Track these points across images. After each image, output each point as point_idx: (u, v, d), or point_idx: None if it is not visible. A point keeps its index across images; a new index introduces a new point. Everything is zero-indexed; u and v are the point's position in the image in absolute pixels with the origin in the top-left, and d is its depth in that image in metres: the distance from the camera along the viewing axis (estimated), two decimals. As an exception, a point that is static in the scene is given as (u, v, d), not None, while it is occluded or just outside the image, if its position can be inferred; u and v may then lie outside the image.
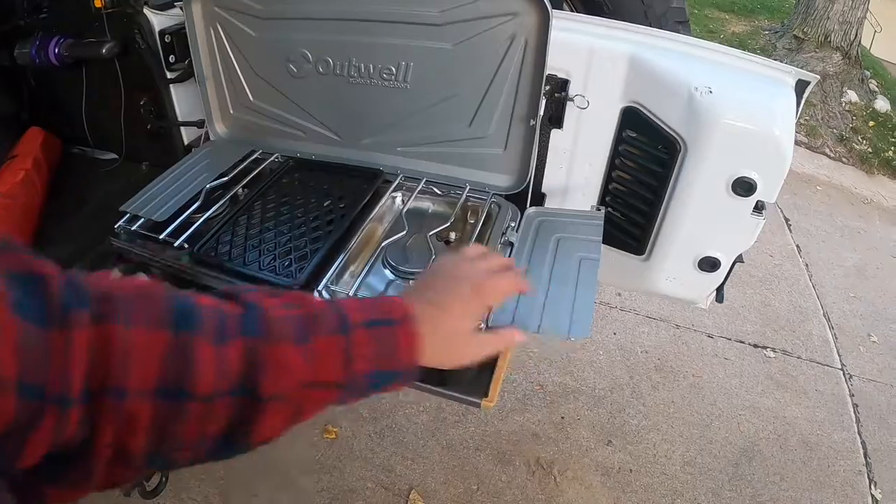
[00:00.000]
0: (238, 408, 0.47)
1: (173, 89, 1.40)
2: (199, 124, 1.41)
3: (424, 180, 1.17)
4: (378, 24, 1.11)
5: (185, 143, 1.45)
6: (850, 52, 4.49)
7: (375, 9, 1.10)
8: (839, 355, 2.31)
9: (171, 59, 1.37)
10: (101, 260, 1.38)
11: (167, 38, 1.35)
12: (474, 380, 0.93)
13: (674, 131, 1.06)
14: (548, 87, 1.09)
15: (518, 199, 1.16)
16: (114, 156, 1.59)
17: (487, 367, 0.97)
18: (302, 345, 0.50)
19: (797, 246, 2.98)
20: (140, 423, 0.43)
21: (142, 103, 1.47)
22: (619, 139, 1.16)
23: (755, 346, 2.29)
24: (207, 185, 1.20)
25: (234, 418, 0.47)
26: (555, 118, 1.10)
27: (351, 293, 0.91)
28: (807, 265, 2.73)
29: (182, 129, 1.43)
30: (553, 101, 1.09)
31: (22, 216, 1.38)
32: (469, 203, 1.14)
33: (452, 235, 1.09)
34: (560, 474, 1.84)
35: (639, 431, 1.97)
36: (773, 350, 2.28)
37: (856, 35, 4.46)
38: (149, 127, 1.46)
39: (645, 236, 1.20)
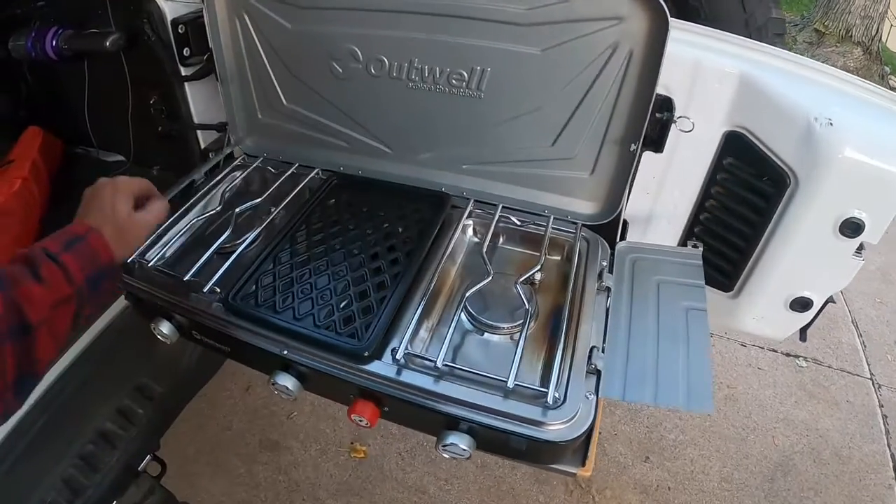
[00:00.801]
0: (21, 344, 0.64)
1: (188, 87, 1.21)
2: (220, 128, 1.21)
3: (501, 207, 1.01)
4: (450, 19, 0.93)
5: (202, 147, 1.25)
6: (870, 48, 4.41)
7: (447, 1, 0.91)
8: (868, 364, 2.26)
9: (186, 52, 1.18)
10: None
11: (181, 29, 1.16)
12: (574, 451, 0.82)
13: (784, 163, 0.92)
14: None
15: (604, 230, 1.01)
16: (121, 158, 1.40)
17: (585, 440, 0.85)
18: (35, 279, 0.67)
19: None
20: None
21: (152, 102, 1.29)
22: (717, 166, 1.01)
23: (787, 354, 2.22)
24: (238, 209, 1.02)
25: (21, 355, 0.64)
26: (652, 141, 0.94)
27: (439, 362, 0.76)
28: (835, 267, 2.67)
29: (199, 132, 1.24)
30: (653, 121, 0.93)
31: (18, 233, 1.21)
32: (551, 235, 0.98)
33: (538, 277, 0.94)
34: (598, 493, 1.76)
35: (676, 447, 1.89)
36: (805, 359, 2.21)
37: (877, 30, 4.39)
38: (160, 129, 1.27)
39: (736, 272, 1.07)
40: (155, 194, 0.89)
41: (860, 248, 0.95)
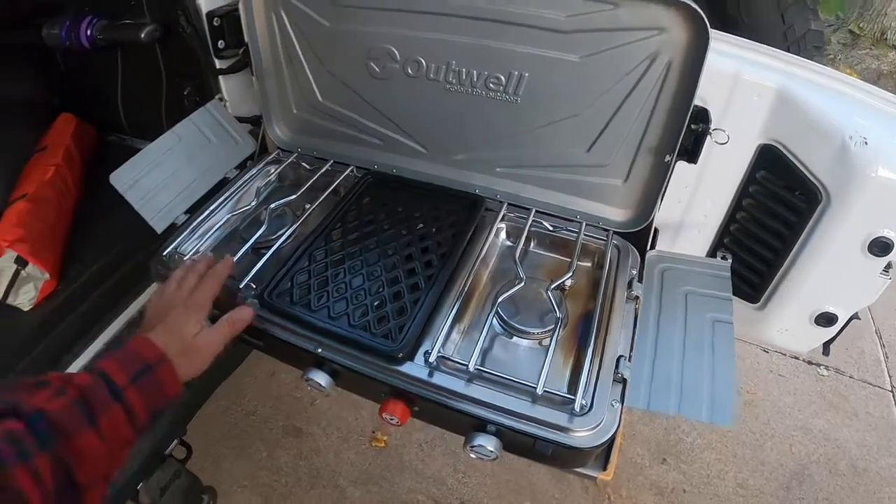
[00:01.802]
0: (66, 501, 0.54)
1: (223, 80, 1.22)
2: (254, 122, 1.23)
3: (534, 212, 1.02)
4: (489, 23, 0.93)
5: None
6: (905, 51, 4.28)
7: (488, 6, 0.92)
8: (889, 376, 2.23)
9: (221, 45, 1.19)
10: (139, 273, 1.24)
11: (216, 22, 1.17)
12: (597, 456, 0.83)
13: (817, 179, 0.92)
14: (685, 116, 0.93)
15: (635, 237, 1.01)
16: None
17: (607, 445, 0.87)
18: (93, 428, 0.57)
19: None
20: None
21: (186, 93, 1.31)
22: (750, 178, 1.01)
23: (809, 363, 2.21)
24: (273, 204, 1.04)
25: None
26: (687, 151, 0.94)
27: (471, 365, 0.77)
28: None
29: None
30: (688, 131, 0.92)
31: (52, 220, 1.24)
32: (584, 241, 0.99)
33: (568, 283, 0.95)
34: (614, 493, 1.77)
35: (693, 450, 1.89)
36: (827, 368, 2.19)
37: (913, 34, 4.25)
38: (194, 118, 1.28)
39: (764, 285, 1.07)
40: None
41: (888, 266, 0.95)
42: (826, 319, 1.05)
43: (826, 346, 1.14)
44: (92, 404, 0.58)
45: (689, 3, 0.78)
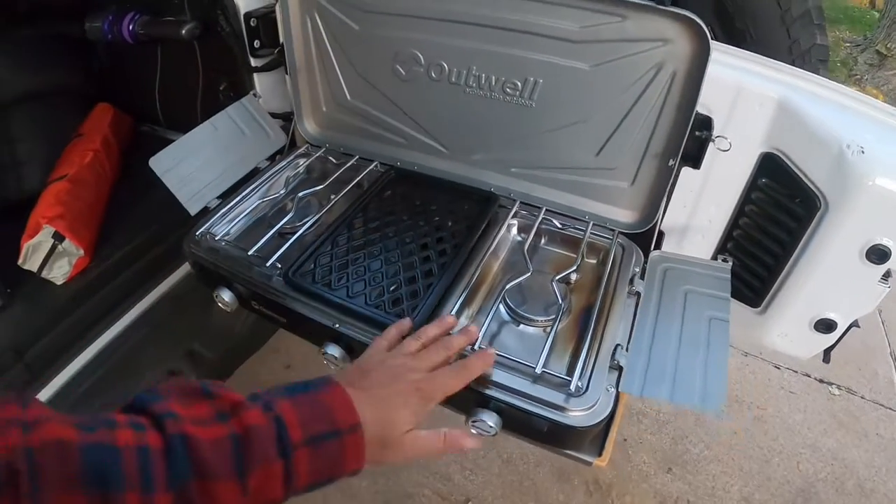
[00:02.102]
0: None
1: (257, 77, 1.30)
2: (286, 118, 1.31)
3: (544, 210, 1.07)
4: (507, 32, 1.00)
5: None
6: (932, 73, 4.25)
7: (507, 16, 0.99)
8: (903, 398, 2.23)
9: (256, 44, 1.27)
10: (172, 253, 1.32)
11: (253, 22, 1.25)
12: (592, 440, 0.88)
13: (816, 187, 0.96)
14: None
15: (640, 238, 1.06)
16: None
17: (603, 428, 0.91)
18: (239, 480, 0.46)
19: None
20: None
21: (221, 88, 1.39)
22: (752, 185, 1.06)
23: (821, 381, 2.21)
24: (300, 194, 1.11)
25: None
26: (691, 157, 0.99)
27: (476, 345, 0.83)
28: (878, 298, 2.63)
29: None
30: (692, 138, 0.98)
31: (89, 201, 1.32)
32: (590, 239, 1.04)
33: (573, 277, 1.00)
34: (618, 498, 1.80)
35: (699, 461, 1.91)
36: (839, 387, 2.19)
37: (941, 56, 4.22)
38: (227, 113, 1.37)
39: (765, 289, 1.10)
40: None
41: (887, 274, 0.98)
42: (825, 326, 1.08)
43: (826, 354, 1.16)
44: (251, 451, 0.48)
45: (691, 16, 0.84)
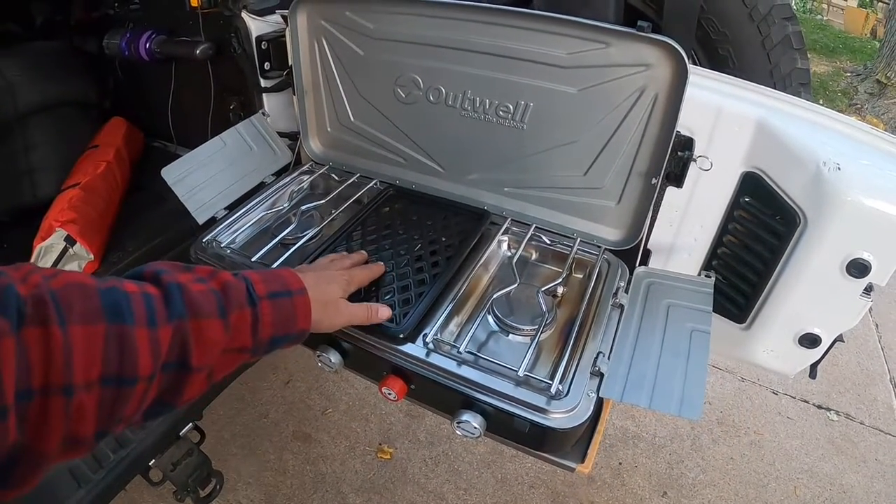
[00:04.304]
0: (172, 379, 0.55)
1: (266, 98, 1.37)
2: (293, 137, 1.38)
3: (534, 227, 1.12)
4: (500, 58, 1.06)
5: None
6: (932, 102, 4.30)
7: (499, 43, 1.05)
8: (902, 424, 2.22)
9: (266, 66, 1.35)
10: (179, 261, 1.37)
11: (263, 45, 1.33)
12: (574, 446, 0.91)
13: (795, 204, 1.00)
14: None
15: (626, 255, 1.10)
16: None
17: (586, 436, 0.95)
18: (222, 319, 0.59)
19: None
20: (88, 412, 0.47)
21: (231, 107, 1.46)
22: (735, 204, 1.10)
23: (819, 406, 2.21)
24: (303, 207, 1.17)
25: (167, 387, 0.55)
26: (674, 176, 1.04)
27: (462, 349, 0.87)
28: (877, 325, 2.63)
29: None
30: (675, 158, 1.03)
31: (101, 209, 1.38)
32: (577, 255, 1.09)
33: (560, 290, 1.05)
34: (611, 521, 1.79)
35: (695, 486, 1.91)
36: (837, 413, 2.19)
37: (941, 84, 4.28)
38: (236, 132, 1.44)
39: (749, 305, 1.14)
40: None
41: (868, 288, 1.01)
42: (810, 341, 1.10)
43: (813, 369, 1.18)
44: (228, 299, 0.60)
45: (670, 41, 0.90)
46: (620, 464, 1.95)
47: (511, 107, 1.09)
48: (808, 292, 1.04)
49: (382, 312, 0.88)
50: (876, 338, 2.56)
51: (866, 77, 4.72)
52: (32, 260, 1.23)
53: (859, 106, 4.29)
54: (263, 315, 0.64)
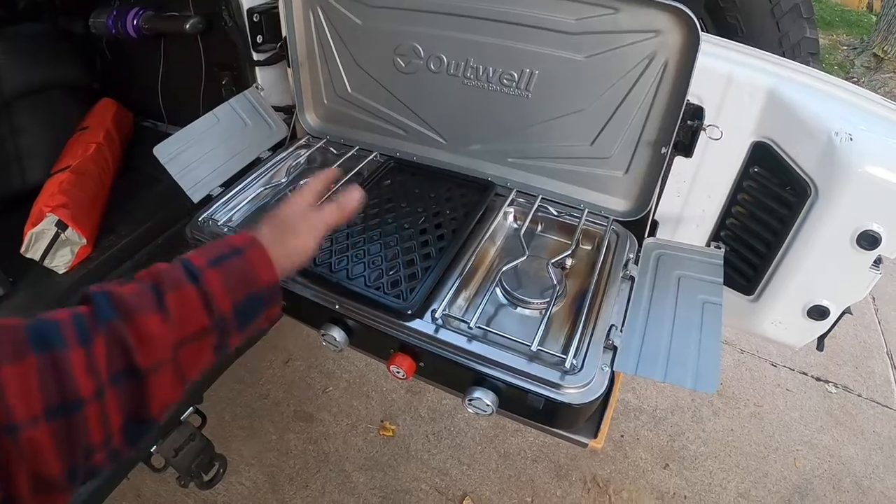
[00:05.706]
0: (128, 390, 0.51)
1: (259, 72, 1.33)
2: (288, 111, 1.34)
3: (540, 198, 1.10)
4: (505, 25, 1.03)
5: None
6: (929, 76, 4.27)
7: (504, 9, 1.01)
8: (899, 397, 2.24)
9: (259, 39, 1.30)
10: (173, 242, 1.34)
11: (256, 17, 1.28)
12: (586, 421, 0.90)
13: (806, 174, 0.98)
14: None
15: (634, 226, 1.08)
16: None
17: (598, 410, 0.93)
18: (159, 310, 0.53)
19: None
20: (45, 447, 0.45)
21: (223, 83, 1.41)
22: (744, 174, 1.08)
23: (817, 379, 2.22)
24: (301, 182, 1.13)
25: (128, 400, 0.51)
26: (683, 146, 1.02)
27: (472, 324, 0.84)
28: (874, 298, 2.63)
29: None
30: (684, 127, 1.00)
31: (92, 192, 1.34)
32: (585, 227, 1.06)
33: (569, 262, 1.02)
34: (615, 494, 1.80)
35: (696, 457, 1.92)
36: (835, 385, 2.20)
37: (938, 58, 4.25)
38: (228, 107, 1.39)
39: (758, 277, 1.12)
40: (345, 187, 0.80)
41: (878, 260, 1.00)
42: (818, 312, 1.09)
43: (820, 341, 1.17)
44: (163, 284, 0.55)
45: (681, 7, 0.87)
46: (622, 436, 1.95)
47: (516, 75, 1.05)
48: (817, 264, 1.03)
49: (353, 194, 0.78)
50: (873, 311, 2.57)
51: (863, 51, 4.69)
52: (24, 248, 1.19)
53: (856, 80, 4.28)
54: (210, 285, 0.57)
